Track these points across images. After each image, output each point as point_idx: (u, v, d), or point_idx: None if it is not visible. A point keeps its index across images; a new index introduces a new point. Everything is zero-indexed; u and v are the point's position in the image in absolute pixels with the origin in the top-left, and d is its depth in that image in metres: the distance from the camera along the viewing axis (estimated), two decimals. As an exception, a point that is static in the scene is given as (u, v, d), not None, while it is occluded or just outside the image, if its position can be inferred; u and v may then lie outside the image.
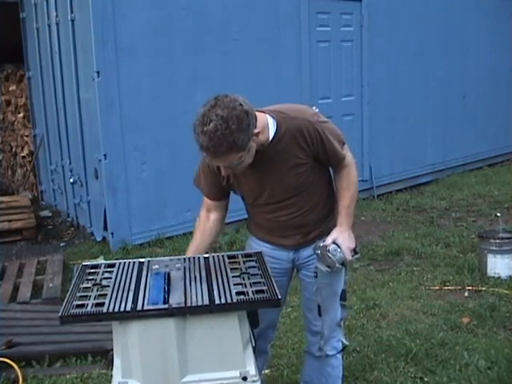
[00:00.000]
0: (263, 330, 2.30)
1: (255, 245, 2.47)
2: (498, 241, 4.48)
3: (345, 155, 2.30)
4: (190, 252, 2.37)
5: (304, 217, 2.33)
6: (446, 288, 4.42)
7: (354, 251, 2.32)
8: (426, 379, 3.13)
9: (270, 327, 2.50)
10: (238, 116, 1.93)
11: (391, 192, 7.52)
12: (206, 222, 2.42)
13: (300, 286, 2.59)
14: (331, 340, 2.49)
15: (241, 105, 1.95)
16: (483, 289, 4.32)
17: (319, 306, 2.37)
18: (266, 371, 3.18)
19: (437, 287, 4.44)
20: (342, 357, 2.64)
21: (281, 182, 2.23)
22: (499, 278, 4.45)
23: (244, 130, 1.94)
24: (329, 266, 2.26)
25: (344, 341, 2.51)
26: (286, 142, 2.17)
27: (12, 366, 3.19)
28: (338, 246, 2.24)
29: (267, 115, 2.18)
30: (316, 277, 2.33)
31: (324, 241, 2.26)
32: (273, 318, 2.49)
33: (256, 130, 2.02)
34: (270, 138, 2.16)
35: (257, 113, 2.09)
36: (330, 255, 2.23)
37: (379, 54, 7.19)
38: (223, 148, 1.93)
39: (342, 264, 2.26)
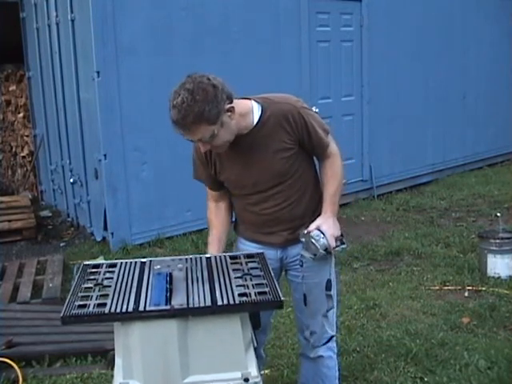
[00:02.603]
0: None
1: (242, 246, 2.48)
2: (498, 241, 4.48)
3: (329, 143, 2.33)
4: (215, 242, 2.41)
5: (291, 209, 2.33)
6: (446, 288, 4.42)
7: (341, 241, 2.32)
8: (426, 379, 3.13)
9: (262, 331, 2.44)
10: (204, 88, 1.99)
11: (391, 192, 7.52)
12: (219, 210, 2.45)
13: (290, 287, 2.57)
14: (324, 340, 2.49)
15: (208, 79, 2.03)
16: (483, 289, 4.33)
17: (305, 296, 2.36)
18: (266, 371, 3.18)
19: (437, 287, 4.44)
20: (337, 356, 2.62)
21: (266, 166, 2.25)
22: (499, 277, 4.45)
23: (210, 101, 1.99)
24: (313, 254, 2.25)
25: (331, 332, 2.48)
26: (271, 126, 2.20)
27: (12, 366, 3.19)
28: (322, 233, 2.24)
29: (252, 101, 2.24)
30: (302, 266, 2.33)
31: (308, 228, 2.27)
32: (264, 321, 2.46)
33: (228, 105, 2.06)
34: (255, 122, 2.20)
35: (242, 99, 2.19)
36: (313, 241, 2.23)
37: (379, 54, 7.19)
38: (190, 118, 1.99)
39: (326, 250, 2.24)
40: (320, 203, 2.37)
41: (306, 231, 2.26)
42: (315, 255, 2.25)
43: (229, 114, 2.08)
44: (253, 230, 2.43)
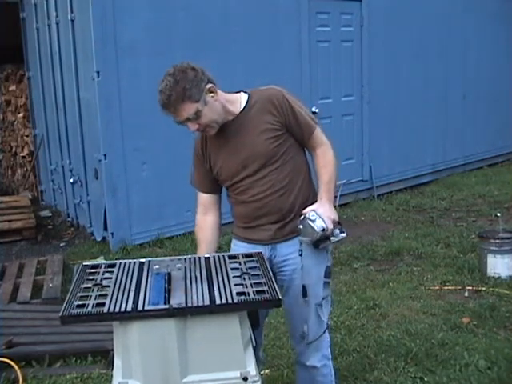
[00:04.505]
0: None
1: (234, 247, 2.50)
2: (498, 241, 4.48)
3: (316, 127, 2.40)
4: None
5: (278, 196, 2.35)
6: (446, 288, 4.42)
7: (340, 230, 2.31)
8: (425, 379, 3.13)
9: (258, 333, 2.42)
10: (184, 70, 2.20)
11: (391, 192, 7.52)
12: (206, 225, 2.48)
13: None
14: (322, 349, 2.48)
15: (188, 64, 2.23)
16: (483, 289, 4.33)
17: (304, 287, 2.35)
18: (266, 371, 3.18)
19: (437, 287, 4.44)
20: (334, 358, 2.61)
21: (252, 147, 2.31)
22: (499, 277, 4.45)
23: (190, 80, 2.17)
24: (311, 237, 2.24)
25: (325, 320, 2.46)
26: (257, 110, 2.33)
27: (12, 366, 3.19)
28: (319, 216, 2.24)
29: (241, 92, 2.40)
30: (301, 255, 2.33)
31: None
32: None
33: (209, 85, 2.21)
34: (242, 108, 2.34)
35: (232, 93, 2.37)
36: (309, 223, 2.22)
37: (379, 54, 7.19)
38: (174, 97, 2.16)
39: (324, 232, 2.22)
40: (309, 200, 2.38)
41: (302, 216, 2.27)
42: (312, 238, 2.24)
43: (211, 94, 2.23)
44: (243, 226, 2.45)
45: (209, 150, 2.40)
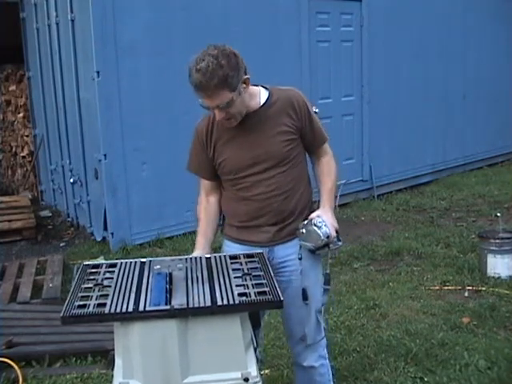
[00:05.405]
0: None
1: (227, 248, 2.47)
2: (498, 241, 4.49)
3: (327, 138, 2.43)
4: (201, 237, 2.45)
5: (282, 199, 2.33)
6: (446, 288, 4.42)
7: (337, 238, 2.32)
8: (425, 379, 3.13)
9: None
10: (228, 55, 2.12)
11: (391, 192, 7.52)
12: (208, 206, 2.47)
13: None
14: (319, 349, 2.48)
15: (230, 48, 2.17)
16: (483, 289, 4.33)
17: (304, 290, 2.35)
18: (266, 371, 3.18)
19: (437, 287, 4.44)
20: (331, 358, 2.60)
21: (266, 146, 2.29)
22: (499, 277, 4.45)
23: (233, 67, 2.10)
24: (314, 243, 2.25)
25: (324, 324, 2.48)
26: (277, 109, 2.30)
27: (12, 366, 3.19)
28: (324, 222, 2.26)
29: (260, 86, 2.37)
30: (300, 259, 2.34)
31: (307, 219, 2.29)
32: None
33: (245, 76, 2.16)
34: (262, 103, 2.30)
35: (251, 85, 2.28)
36: (315, 228, 2.23)
37: (379, 54, 7.19)
38: (215, 81, 2.06)
39: (328, 238, 2.24)
40: (308, 207, 2.40)
41: (306, 221, 2.27)
42: (315, 243, 2.25)
43: (244, 85, 2.18)
44: (238, 226, 2.41)
45: (215, 139, 2.33)
